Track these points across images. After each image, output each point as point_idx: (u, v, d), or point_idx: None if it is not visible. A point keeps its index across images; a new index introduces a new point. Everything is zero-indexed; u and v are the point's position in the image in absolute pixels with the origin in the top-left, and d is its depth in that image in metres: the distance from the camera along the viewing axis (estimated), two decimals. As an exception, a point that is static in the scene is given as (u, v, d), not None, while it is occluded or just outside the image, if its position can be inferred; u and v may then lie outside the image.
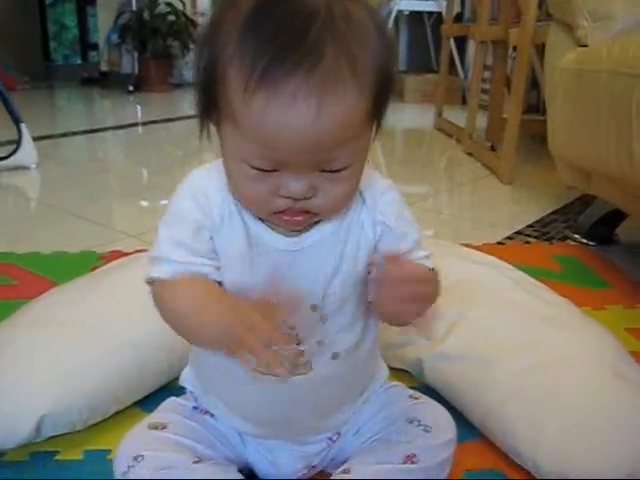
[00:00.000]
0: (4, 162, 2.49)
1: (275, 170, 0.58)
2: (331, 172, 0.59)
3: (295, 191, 0.59)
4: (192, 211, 0.66)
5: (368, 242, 0.68)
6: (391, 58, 0.60)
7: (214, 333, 0.61)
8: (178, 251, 0.65)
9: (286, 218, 0.62)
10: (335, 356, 0.71)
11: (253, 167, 0.59)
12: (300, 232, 0.66)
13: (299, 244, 0.66)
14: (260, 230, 0.66)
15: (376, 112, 0.61)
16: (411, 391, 0.81)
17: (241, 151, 0.59)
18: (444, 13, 3.87)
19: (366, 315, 0.72)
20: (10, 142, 2.58)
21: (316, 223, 0.66)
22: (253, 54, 0.54)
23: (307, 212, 0.62)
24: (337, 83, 0.55)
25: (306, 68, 0.54)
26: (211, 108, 0.61)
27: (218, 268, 0.66)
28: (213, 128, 0.64)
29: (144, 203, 2.21)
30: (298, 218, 0.62)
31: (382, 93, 0.60)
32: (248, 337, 0.57)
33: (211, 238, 0.66)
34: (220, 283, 0.67)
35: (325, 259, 0.67)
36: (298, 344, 0.68)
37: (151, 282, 0.66)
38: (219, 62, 0.57)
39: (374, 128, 0.63)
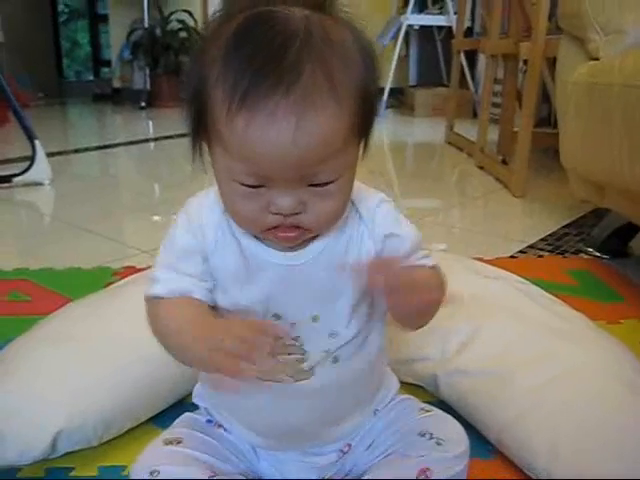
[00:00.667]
0: (19, 178, 2.52)
1: (263, 186, 0.60)
2: (318, 187, 0.60)
3: (283, 207, 0.60)
4: (183, 235, 0.69)
5: (369, 254, 0.69)
6: (373, 77, 0.62)
7: (199, 351, 0.61)
8: (169, 273, 0.68)
9: (280, 234, 0.63)
10: (335, 360, 0.71)
11: (242, 184, 0.60)
12: (296, 248, 0.67)
13: (298, 259, 0.67)
14: (256, 247, 0.67)
15: (361, 129, 0.62)
16: (422, 404, 0.81)
17: (229, 169, 0.60)
18: (454, 27, 3.88)
19: (368, 321, 0.72)
20: (24, 159, 2.61)
21: (313, 239, 0.67)
22: (234, 77, 0.56)
23: (299, 228, 0.63)
24: (315, 100, 0.56)
25: (284, 87, 0.55)
26: (201, 131, 0.63)
27: (211, 291, 0.69)
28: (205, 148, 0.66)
29: (156, 218, 2.22)
30: (290, 234, 0.63)
31: (364, 110, 0.61)
32: (240, 347, 0.57)
33: (205, 261, 0.68)
34: (214, 307, 0.69)
35: (325, 274, 0.68)
36: (302, 354, 0.69)
37: (147, 300, 0.70)
38: (205, 86, 0.59)
39: (361, 144, 0.64)
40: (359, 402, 0.77)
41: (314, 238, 0.67)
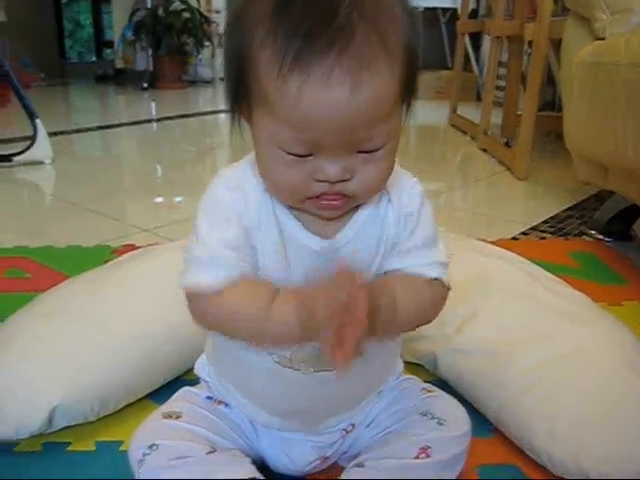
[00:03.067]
0: (19, 157, 2.51)
1: (310, 155, 0.58)
2: (367, 153, 0.59)
3: (332, 174, 0.58)
4: (235, 208, 0.64)
5: (392, 239, 0.68)
6: (417, 35, 0.60)
7: (287, 336, 0.60)
8: (223, 249, 0.63)
9: (323, 203, 0.61)
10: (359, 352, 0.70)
11: (289, 153, 0.58)
12: (336, 231, 0.65)
13: (334, 245, 0.65)
14: (295, 229, 0.65)
15: (406, 92, 0.60)
16: (424, 384, 0.80)
17: (276, 137, 0.58)
18: (459, 9, 3.85)
19: None
20: (25, 138, 2.60)
21: (350, 215, 0.65)
22: (284, 37, 0.54)
23: (343, 196, 0.61)
24: (370, 61, 0.55)
25: (338, 48, 0.53)
26: (242, 97, 0.60)
27: (255, 267, 0.65)
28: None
29: (157, 198, 2.21)
30: (334, 202, 0.61)
31: (411, 71, 0.60)
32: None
33: (247, 233, 0.64)
34: None
35: (360, 258, 0.66)
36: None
37: (195, 288, 0.63)
38: (250, 49, 0.57)
39: (405, 109, 0.62)
40: (372, 388, 0.77)
41: (351, 214, 0.65)
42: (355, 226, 0.66)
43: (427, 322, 0.71)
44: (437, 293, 0.69)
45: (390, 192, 0.67)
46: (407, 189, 0.68)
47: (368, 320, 0.57)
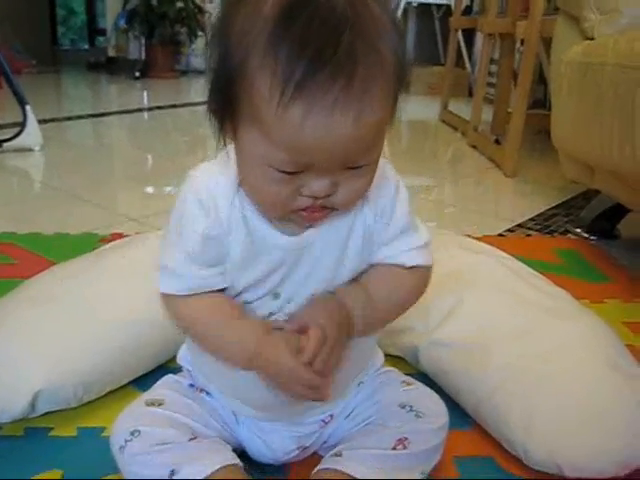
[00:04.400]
0: (9, 144, 2.50)
1: (301, 172, 0.58)
2: (355, 169, 0.59)
3: (318, 190, 0.59)
4: (198, 219, 0.65)
5: (371, 234, 0.68)
6: (405, 51, 0.60)
7: (236, 353, 0.67)
8: (190, 265, 0.65)
9: (305, 215, 0.62)
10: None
11: (279, 170, 0.58)
12: (305, 229, 0.66)
13: (302, 242, 0.66)
14: (263, 229, 0.65)
15: (395, 105, 0.61)
16: (404, 377, 0.81)
17: (267, 156, 0.57)
18: (453, 5, 3.85)
19: None
20: (15, 124, 2.59)
21: None
22: (286, 62, 0.53)
23: (325, 208, 0.61)
24: (371, 90, 0.55)
25: (343, 79, 0.53)
26: (228, 111, 0.59)
27: (223, 273, 0.67)
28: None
29: (147, 188, 2.21)
30: (317, 214, 0.62)
31: (400, 87, 0.60)
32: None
33: (219, 242, 0.65)
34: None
35: (329, 253, 0.67)
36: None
37: (166, 297, 0.68)
38: (245, 67, 0.55)
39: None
40: (350, 378, 0.78)
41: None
42: (325, 224, 0.66)
43: (410, 307, 0.75)
44: (418, 278, 0.72)
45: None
46: (384, 180, 0.68)
47: (342, 336, 0.66)
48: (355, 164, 0.59)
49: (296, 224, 0.65)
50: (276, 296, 0.68)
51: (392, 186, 0.69)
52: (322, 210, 0.61)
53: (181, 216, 0.66)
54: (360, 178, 0.61)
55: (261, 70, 0.54)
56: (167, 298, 0.68)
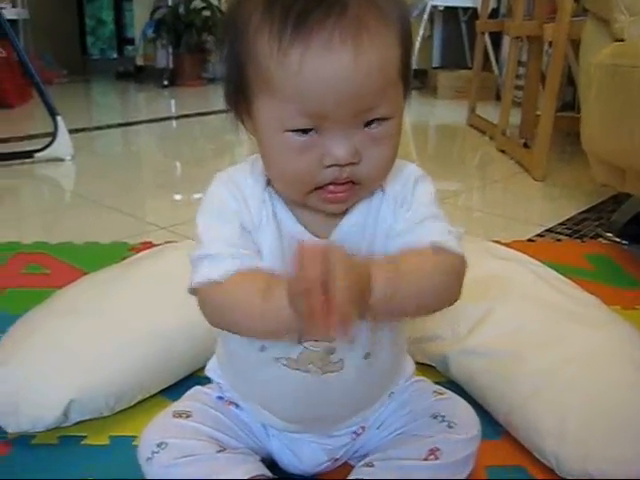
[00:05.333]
0: (40, 154, 2.54)
1: (316, 131, 0.58)
2: (373, 127, 0.59)
3: (340, 154, 0.58)
4: (234, 209, 0.65)
5: (391, 230, 0.68)
6: (409, 12, 0.62)
7: (283, 320, 0.56)
8: (226, 249, 0.64)
9: (329, 196, 0.61)
10: (367, 356, 0.70)
11: (294, 130, 0.58)
12: (331, 229, 0.66)
13: (329, 241, 0.66)
14: (291, 226, 0.66)
15: (404, 68, 0.61)
16: (436, 386, 0.81)
17: (280, 116, 0.59)
18: (479, 9, 3.83)
19: None
20: (46, 134, 2.63)
21: (342, 215, 0.66)
22: (279, 18, 0.56)
23: (351, 182, 0.61)
24: (368, 23, 0.56)
25: (335, 13, 0.55)
26: (242, 92, 0.62)
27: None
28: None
29: (176, 196, 2.23)
30: (341, 194, 0.62)
31: (406, 48, 0.61)
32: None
33: (250, 237, 0.66)
34: None
35: (356, 253, 0.67)
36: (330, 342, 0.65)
37: (203, 286, 0.63)
38: (245, 38, 0.59)
39: (403, 91, 0.63)
40: (382, 390, 0.77)
41: (345, 214, 0.66)
42: (348, 223, 0.66)
43: (442, 297, 0.65)
44: (448, 264, 0.64)
45: (384, 184, 0.67)
46: (400, 176, 0.68)
47: (356, 297, 0.53)
48: (369, 115, 0.59)
49: (321, 213, 0.64)
50: None
51: (411, 177, 0.69)
52: (345, 190, 0.61)
53: (207, 206, 0.67)
54: (380, 146, 0.61)
55: (260, 34, 0.57)
56: (204, 289, 0.63)
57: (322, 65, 0.55)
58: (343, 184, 0.61)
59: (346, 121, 0.58)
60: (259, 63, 0.58)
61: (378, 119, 0.60)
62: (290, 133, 0.59)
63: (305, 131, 0.58)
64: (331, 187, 0.61)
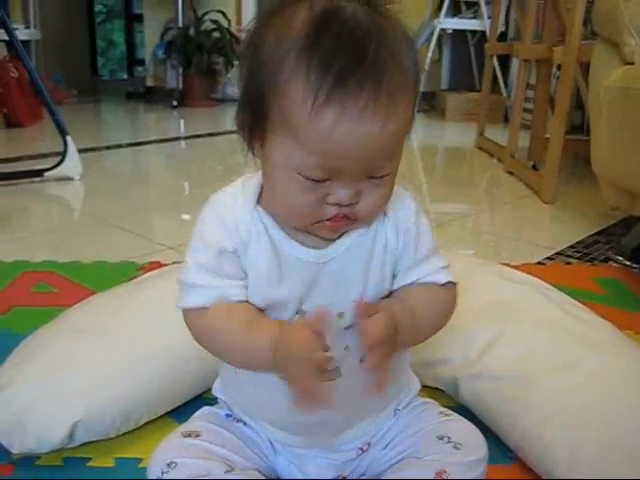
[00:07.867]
0: (49, 173, 2.55)
1: (327, 179, 0.61)
2: (377, 178, 0.62)
3: (343, 198, 0.61)
4: (215, 233, 0.67)
5: (393, 252, 0.70)
6: (419, 63, 0.64)
7: (259, 360, 0.65)
8: (204, 276, 0.67)
9: (327, 224, 0.64)
10: (361, 359, 0.70)
11: (307, 178, 0.60)
12: (328, 243, 0.68)
13: (327, 256, 0.68)
14: (287, 244, 0.67)
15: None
16: (442, 408, 0.80)
17: (297, 162, 0.60)
18: (488, 32, 3.85)
19: None
20: (56, 154, 2.64)
21: (342, 235, 0.68)
22: (317, 72, 0.56)
23: (347, 218, 0.64)
24: (396, 97, 0.59)
25: (371, 85, 0.57)
26: (258, 122, 0.62)
27: (246, 287, 0.68)
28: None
29: (185, 216, 2.23)
30: (339, 224, 0.65)
31: (417, 97, 0.63)
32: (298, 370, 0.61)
33: (239, 258, 0.67)
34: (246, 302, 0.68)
35: (352, 270, 0.68)
36: (326, 351, 0.66)
37: (187, 311, 0.69)
38: (276, 80, 0.59)
39: None
40: (383, 399, 0.76)
41: (342, 234, 0.68)
42: (348, 240, 0.68)
43: (444, 324, 0.75)
44: (451, 295, 0.74)
45: (386, 208, 0.70)
46: (403, 204, 0.71)
47: (388, 341, 0.63)
48: (378, 173, 0.62)
49: (318, 236, 0.67)
50: (302, 314, 0.68)
51: (412, 206, 0.72)
52: (344, 220, 0.64)
53: (199, 233, 0.69)
54: (380, 188, 0.64)
55: (294, 79, 0.58)
56: (187, 313, 0.69)
57: (353, 131, 0.57)
58: (341, 218, 0.64)
59: (356, 175, 0.61)
60: (287, 107, 0.59)
61: (382, 175, 0.63)
62: (302, 177, 0.61)
63: (318, 180, 0.61)
64: (328, 223, 0.64)
